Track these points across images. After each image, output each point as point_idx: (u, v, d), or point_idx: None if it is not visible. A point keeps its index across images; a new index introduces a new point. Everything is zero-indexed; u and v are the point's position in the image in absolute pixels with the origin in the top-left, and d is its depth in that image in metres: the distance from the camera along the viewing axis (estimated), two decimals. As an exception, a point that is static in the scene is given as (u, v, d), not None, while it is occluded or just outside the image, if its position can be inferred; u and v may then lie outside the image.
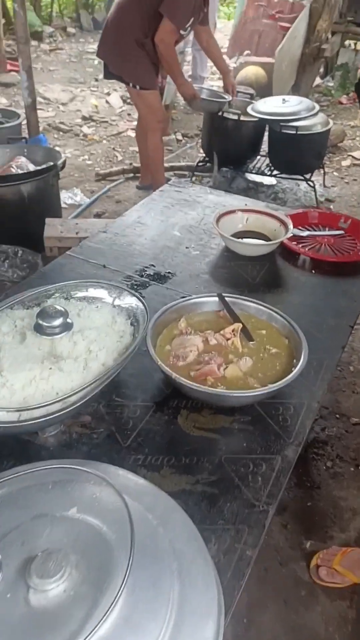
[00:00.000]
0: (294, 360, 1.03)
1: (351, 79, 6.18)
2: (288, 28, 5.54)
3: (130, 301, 1.12)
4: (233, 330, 1.10)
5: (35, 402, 0.87)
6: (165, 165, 3.99)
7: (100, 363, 0.97)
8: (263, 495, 0.86)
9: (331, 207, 3.73)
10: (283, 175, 3.66)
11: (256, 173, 3.72)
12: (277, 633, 1.51)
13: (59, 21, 7.48)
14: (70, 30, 7.25)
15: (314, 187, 3.64)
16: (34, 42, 6.39)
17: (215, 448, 0.94)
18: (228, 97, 3.52)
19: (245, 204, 1.57)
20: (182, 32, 2.83)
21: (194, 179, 3.84)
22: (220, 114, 3.43)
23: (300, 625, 1.54)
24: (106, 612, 0.56)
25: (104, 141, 4.49)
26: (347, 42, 6.68)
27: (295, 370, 0.97)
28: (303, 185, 3.79)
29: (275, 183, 3.87)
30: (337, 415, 2.28)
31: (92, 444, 0.93)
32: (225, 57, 6.95)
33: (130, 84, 2.99)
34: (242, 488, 0.87)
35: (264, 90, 5.23)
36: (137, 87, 2.95)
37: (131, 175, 3.81)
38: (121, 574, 0.62)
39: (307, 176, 3.61)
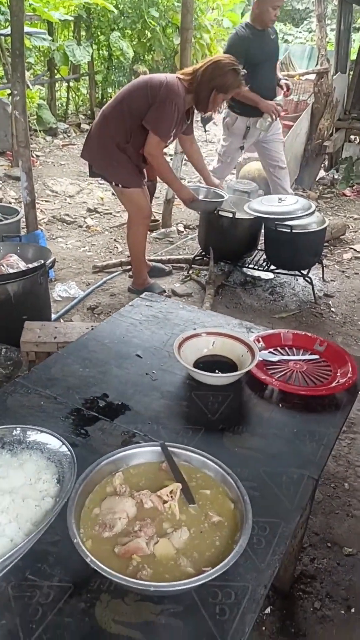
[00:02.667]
0: (237, 535, 0.89)
1: (355, 172, 6.34)
2: (291, 126, 5.76)
3: (63, 451, 1.01)
4: (171, 492, 0.97)
5: None
6: (163, 257, 4.01)
7: (8, 539, 0.84)
8: None
9: (330, 302, 3.66)
10: (280, 271, 3.64)
11: (253, 267, 3.70)
12: None
13: (74, 118, 7.95)
14: (84, 126, 7.68)
15: (311, 282, 3.59)
16: (48, 138, 6.77)
17: (132, 653, 0.78)
18: (225, 196, 3.58)
19: (207, 331, 1.48)
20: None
21: (191, 272, 3.84)
22: (215, 212, 3.48)
23: None
24: None
25: (106, 232, 4.57)
26: (351, 137, 6.93)
27: (231, 556, 0.83)
28: (301, 279, 3.75)
29: (272, 277, 3.85)
30: (329, 544, 2.06)
31: (-15, 645, 0.79)
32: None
33: (113, 183, 3.07)
34: None
35: (267, 184, 5.36)
36: (120, 185, 3.03)
37: (129, 267, 3.82)
38: None
39: (304, 272, 3.58)
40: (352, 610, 1.83)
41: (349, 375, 1.41)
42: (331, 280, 3.99)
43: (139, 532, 0.90)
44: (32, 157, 5.75)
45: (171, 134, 2.95)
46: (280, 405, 1.33)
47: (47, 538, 0.95)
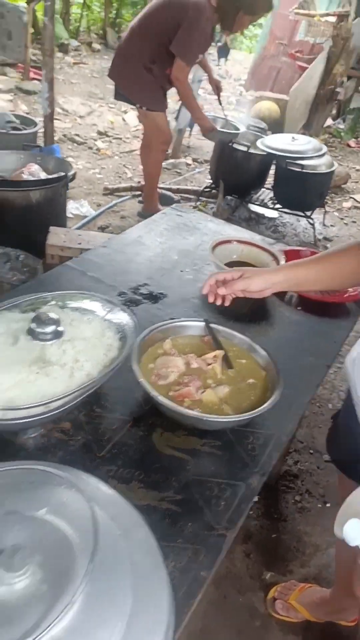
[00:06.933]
0: (268, 393, 1.08)
1: (362, 124, 6.37)
2: (306, 68, 5.71)
3: (120, 317, 1.17)
4: (215, 357, 1.15)
5: (21, 403, 0.91)
6: (172, 187, 4.08)
7: (85, 373, 1.01)
8: (223, 520, 0.90)
9: (328, 245, 3.82)
10: (285, 210, 3.77)
11: (259, 205, 3.81)
12: (227, 659, 1.53)
13: (86, 36, 7.66)
14: (96, 46, 7.42)
15: (313, 224, 3.73)
16: (59, 54, 6.55)
17: (184, 468, 0.98)
18: (241, 129, 3.64)
19: (238, 239, 1.64)
20: None
21: (198, 203, 3.93)
22: (230, 144, 3.54)
23: (251, 654, 1.56)
24: (59, 616, 0.58)
25: (116, 157, 4.58)
26: (361, 88, 6.89)
27: (268, 403, 1.01)
28: (303, 221, 3.88)
29: (276, 216, 3.97)
30: (311, 451, 2.32)
31: (68, 450, 0.97)
32: (242, 89, 7.16)
33: (137, 105, 3.10)
34: (205, 510, 0.91)
35: (276, 125, 5.38)
36: (144, 108, 3.07)
37: (138, 193, 3.89)
38: (79, 579, 0.64)
39: (308, 213, 3.71)
40: (328, 505, 2.10)
41: (359, 290, 1.59)
42: (331, 226, 4.14)
43: (189, 383, 1.08)
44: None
45: (197, 58, 2.98)
46: (298, 308, 1.51)
47: (106, 384, 1.13)
